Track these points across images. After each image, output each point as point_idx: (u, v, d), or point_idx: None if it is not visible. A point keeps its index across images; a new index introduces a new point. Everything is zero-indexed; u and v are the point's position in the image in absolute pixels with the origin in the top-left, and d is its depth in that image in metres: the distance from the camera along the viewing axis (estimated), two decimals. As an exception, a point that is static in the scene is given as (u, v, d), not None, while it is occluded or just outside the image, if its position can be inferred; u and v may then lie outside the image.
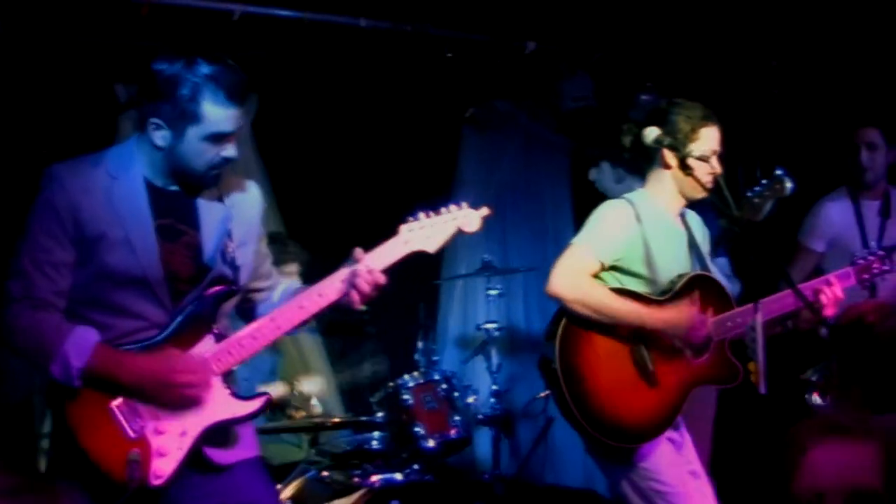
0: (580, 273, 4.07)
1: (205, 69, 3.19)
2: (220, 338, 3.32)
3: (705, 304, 4.16)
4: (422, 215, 3.47)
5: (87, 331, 3.19)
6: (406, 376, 5.62)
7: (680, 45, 6.72)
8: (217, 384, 3.28)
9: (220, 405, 3.28)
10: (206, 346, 3.29)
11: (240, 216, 3.46)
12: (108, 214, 3.23)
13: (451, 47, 6.53)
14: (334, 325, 6.08)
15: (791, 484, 2.14)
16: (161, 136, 3.25)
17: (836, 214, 5.73)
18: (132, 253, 3.22)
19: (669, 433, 4.17)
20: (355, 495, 5.11)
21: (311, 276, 5.76)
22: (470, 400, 6.08)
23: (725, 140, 4.27)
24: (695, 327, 4.06)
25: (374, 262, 3.35)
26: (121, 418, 3.16)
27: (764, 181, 4.31)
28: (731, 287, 5.06)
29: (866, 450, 2.06)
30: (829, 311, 4.14)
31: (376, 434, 5.70)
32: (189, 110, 3.19)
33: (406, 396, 5.52)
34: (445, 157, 7.62)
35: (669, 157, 4.21)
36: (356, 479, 5.37)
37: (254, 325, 3.34)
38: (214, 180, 3.37)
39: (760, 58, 6.82)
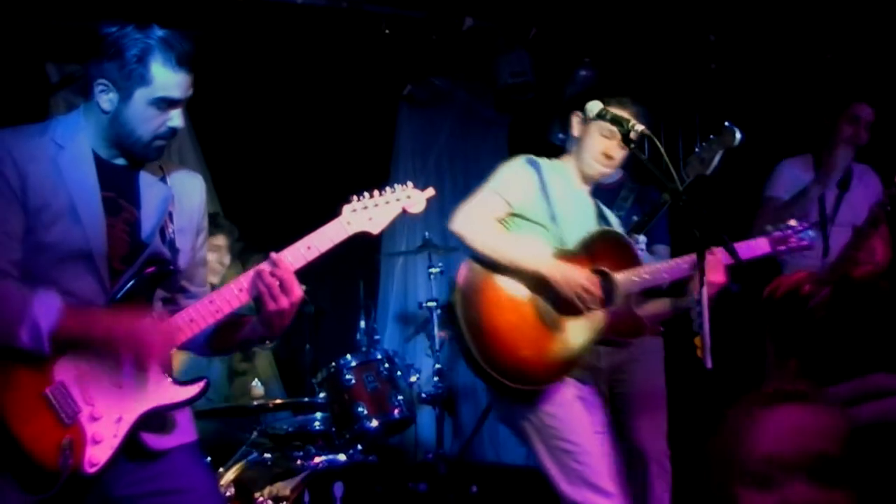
0: (485, 215, 4.04)
1: (157, 32, 3.13)
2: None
3: (613, 261, 4.14)
4: (365, 195, 3.40)
5: (50, 294, 3.05)
6: (348, 356, 5.58)
7: (617, 21, 6.72)
8: (155, 368, 3.17)
9: (158, 390, 3.18)
10: None
11: (181, 202, 3.37)
12: (54, 184, 3.12)
13: (387, 24, 6.48)
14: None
15: (741, 450, 2.10)
16: (108, 99, 3.15)
17: (800, 174, 5.77)
18: (77, 224, 3.11)
19: (580, 390, 4.12)
20: (298, 477, 5.07)
21: (246, 256, 5.73)
22: (412, 379, 6.07)
23: (664, 114, 4.29)
24: (588, 288, 4.01)
25: (317, 244, 3.27)
26: (55, 404, 3.03)
27: (712, 136, 4.31)
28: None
29: (826, 415, 2.04)
30: (712, 277, 4.09)
31: (318, 415, 5.67)
32: (138, 71, 3.10)
33: (348, 376, 5.47)
34: (383, 134, 7.59)
35: (574, 127, 4.27)
36: (299, 461, 5.34)
37: (191, 308, 3.23)
38: (157, 152, 3.27)
39: (698, 32, 6.83)
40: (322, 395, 5.59)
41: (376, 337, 6.12)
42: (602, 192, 5.23)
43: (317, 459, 5.25)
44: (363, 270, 6.70)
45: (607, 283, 4.12)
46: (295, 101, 7.03)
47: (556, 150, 5.36)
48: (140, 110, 3.15)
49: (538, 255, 4.05)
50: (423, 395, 6.35)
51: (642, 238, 4.78)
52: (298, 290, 3.22)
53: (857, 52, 6.78)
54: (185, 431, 3.35)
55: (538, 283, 4.03)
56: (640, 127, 4.04)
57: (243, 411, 5.55)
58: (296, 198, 6.92)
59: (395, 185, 3.45)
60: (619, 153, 4.25)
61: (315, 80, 6.98)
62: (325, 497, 5.05)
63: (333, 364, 5.55)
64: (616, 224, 4.46)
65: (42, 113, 6.05)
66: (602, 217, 4.38)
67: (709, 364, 3.52)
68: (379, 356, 5.65)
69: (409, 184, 3.48)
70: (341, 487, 5.09)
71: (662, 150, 3.89)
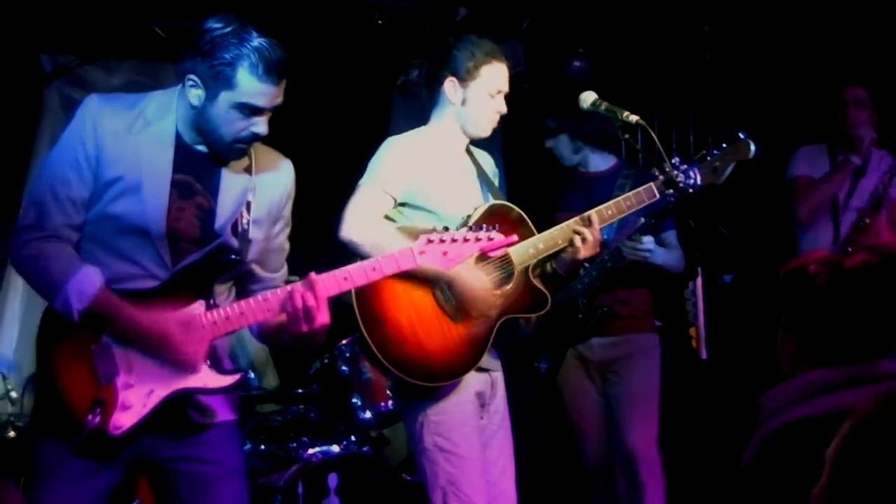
0: (372, 215, 3.93)
1: (251, 39, 3.19)
2: (210, 307, 3.28)
3: (506, 231, 4.08)
4: (449, 231, 3.39)
5: (92, 273, 3.18)
6: (342, 346, 5.57)
7: (612, 11, 6.70)
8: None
9: (194, 374, 3.25)
10: (194, 311, 3.26)
11: (263, 192, 3.45)
12: (130, 159, 3.23)
13: (381, 14, 6.45)
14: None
15: None
16: (196, 95, 3.24)
17: (818, 158, 5.76)
18: (141, 201, 3.22)
19: (479, 384, 4.06)
20: (292, 468, 5.07)
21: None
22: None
23: (659, 105, 4.25)
24: (484, 298, 3.92)
25: (385, 268, 3.34)
26: (96, 362, 3.17)
27: (725, 144, 4.24)
28: (672, 256, 5.06)
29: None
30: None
31: (313, 406, 5.66)
32: (225, 74, 3.18)
33: (342, 368, 5.47)
34: (376, 124, 7.56)
35: (452, 93, 4.14)
36: (293, 452, 5.34)
37: (244, 302, 3.29)
38: (239, 153, 3.37)
39: (692, 23, 6.82)
40: (316, 386, 5.58)
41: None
42: (596, 179, 5.23)
43: (311, 451, 5.26)
44: (358, 261, 6.68)
45: (503, 260, 4.05)
46: (287, 92, 6.98)
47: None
48: (223, 112, 3.23)
49: None
50: (418, 386, 6.34)
51: (647, 239, 4.75)
52: (323, 318, 3.26)
53: (852, 43, 6.78)
54: (226, 409, 3.48)
55: (433, 280, 3.94)
56: (633, 117, 4.02)
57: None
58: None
59: (483, 225, 3.44)
60: (504, 106, 4.18)
61: (308, 70, 6.94)
62: (319, 488, 5.05)
63: (327, 355, 5.54)
64: (496, 178, 4.37)
65: (35, 104, 6.03)
66: (484, 179, 4.28)
67: (703, 355, 3.53)
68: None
69: (496, 226, 3.45)
70: (336, 478, 5.09)
71: (656, 139, 3.89)
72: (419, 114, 7.66)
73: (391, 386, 4.13)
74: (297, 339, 3.32)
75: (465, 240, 3.37)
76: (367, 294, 3.85)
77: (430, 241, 3.34)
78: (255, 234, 3.40)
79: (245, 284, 3.53)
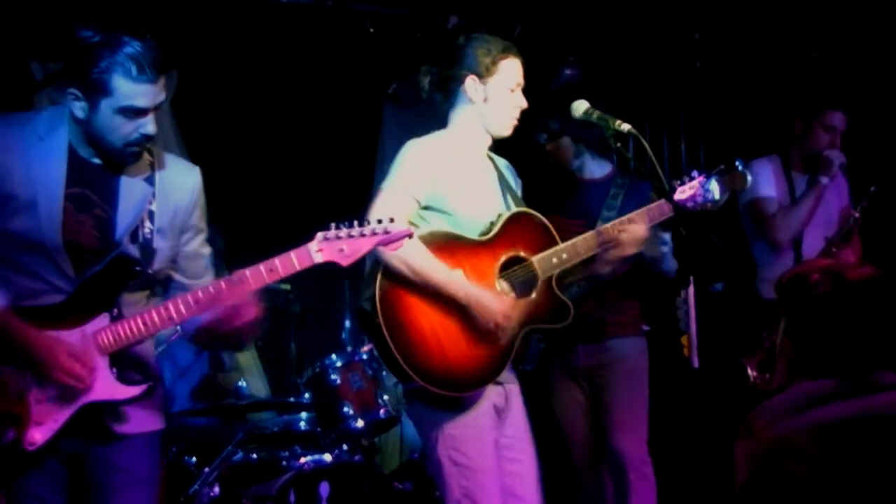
0: (396, 217, 3.73)
1: (120, 42, 3.18)
2: (115, 318, 3.29)
3: (528, 241, 4.08)
4: (343, 225, 3.35)
5: None
6: (333, 356, 5.56)
7: (602, 19, 6.71)
8: (102, 364, 3.27)
9: (102, 386, 3.27)
10: (98, 324, 3.28)
11: (166, 201, 3.43)
12: (22, 175, 3.24)
13: (372, 22, 6.45)
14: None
15: None
16: (79, 108, 3.24)
17: (777, 173, 5.79)
18: (35, 217, 3.23)
19: (495, 397, 4.04)
20: (283, 477, 5.06)
21: (229, 256, 5.70)
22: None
23: (649, 112, 4.26)
24: (499, 324, 3.90)
25: (280, 268, 3.29)
26: (7, 377, 3.19)
27: (723, 167, 4.25)
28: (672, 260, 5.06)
29: None
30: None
31: (304, 415, 5.66)
32: (101, 81, 3.17)
33: (333, 376, 5.45)
34: (368, 132, 7.56)
35: (473, 91, 4.10)
36: (284, 461, 5.33)
37: (146, 312, 3.31)
38: (134, 157, 3.35)
39: (683, 31, 6.83)
40: (307, 395, 5.58)
41: (362, 336, 6.09)
42: (591, 185, 5.22)
43: (302, 459, 5.25)
44: (348, 271, 6.66)
45: (527, 270, 4.06)
46: (279, 100, 7.00)
47: (539, 149, 5.36)
48: (108, 119, 3.23)
49: (456, 280, 3.91)
50: (409, 395, 6.32)
51: (667, 236, 4.71)
52: (251, 313, 3.31)
53: (843, 51, 6.80)
54: (148, 420, 3.50)
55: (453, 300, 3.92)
56: (626, 126, 4.02)
57: (229, 411, 5.54)
58: (280, 197, 6.91)
59: (381, 219, 3.37)
60: (524, 101, 4.17)
61: (299, 78, 6.95)
62: (310, 497, 5.05)
63: (319, 364, 5.53)
64: (516, 185, 4.35)
65: (26, 111, 6.00)
66: (504, 184, 4.27)
67: (695, 363, 3.53)
68: (364, 356, 5.62)
69: (392, 218, 3.40)
70: (327, 487, 5.08)
71: (648, 148, 3.89)
72: (410, 121, 7.72)
73: (406, 394, 4.11)
74: (224, 335, 3.38)
75: (362, 235, 3.33)
76: (392, 301, 3.86)
77: (326, 239, 3.31)
78: (159, 243, 3.40)
79: (168, 292, 3.54)
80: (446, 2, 6.63)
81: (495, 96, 4.10)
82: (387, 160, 7.45)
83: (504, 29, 6.83)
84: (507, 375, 4.10)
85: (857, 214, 5.54)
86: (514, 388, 4.17)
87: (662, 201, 4.19)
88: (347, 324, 6.09)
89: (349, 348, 5.85)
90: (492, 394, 4.03)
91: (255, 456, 5.39)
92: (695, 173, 4.29)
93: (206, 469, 5.12)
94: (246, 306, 3.31)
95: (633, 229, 4.14)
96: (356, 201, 6.74)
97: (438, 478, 4.01)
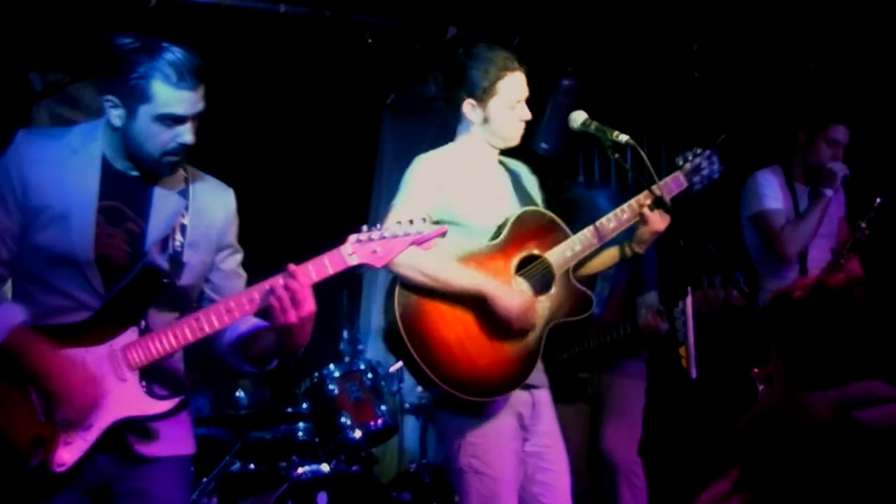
0: None
1: (160, 49, 3.16)
2: (144, 331, 3.22)
3: (541, 238, 4.08)
4: (375, 227, 3.30)
5: (11, 309, 3.12)
6: (331, 366, 5.56)
7: (601, 30, 6.72)
8: (132, 379, 3.19)
9: (131, 401, 3.19)
10: (127, 339, 3.20)
11: (199, 215, 3.39)
12: (56, 188, 3.19)
13: (371, 33, 6.46)
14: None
15: None
16: (117, 115, 3.20)
17: (781, 185, 5.80)
18: (67, 230, 3.17)
19: (520, 405, 4.04)
20: (281, 487, 5.06)
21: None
22: (396, 389, 6.05)
23: (648, 123, 4.26)
24: (520, 319, 3.92)
25: (314, 273, 3.22)
26: (35, 399, 3.11)
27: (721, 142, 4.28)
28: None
29: None
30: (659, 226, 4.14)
31: (302, 425, 5.66)
32: (140, 88, 3.14)
33: (331, 387, 5.47)
34: (366, 142, 7.57)
35: (471, 114, 4.12)
36: (282, 471, 5.33)
37: (176, 324, 3.23)
38: (171, 168, 3.31)
39: (681, 41, 6.84)
40: (305, 405, 5.57)
41: (360, 347, 6.09)
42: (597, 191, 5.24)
43: (300, 469, 5.25)
44: (346, 281, 6.67)
45: (542, 267, 4.06)
46: (278, 110, 7.00)
47: (539, 158, 5.37)
48: (146, 127, 3.19)
49: (471, 274, 3.93)
50: (407, 405, 6.32)
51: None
52: (310, 305, 3.19)
53: (841, 62, 6.81)
54: (177, 443, 3.40)
55: (475, 297, 3.93)
56: (623, 137, 4.03)
57: (227, 421, 5.53)
58: (280, 206, 6.90)
59: (414, 220, 3.33)
60: (528, 112, 4.17)
61: (298, 88, 6.96)
62: (308, 507, 5.04)
63: (317, 374, 5.54)
64: (531, 185, 4.36)
65: (25, 122, 6.00)
66: (518, 187, 4.27)
67: (693, 374, 3.52)
68: (362, 366, 5.64)
69: (424, 218, 3.36)
70: (325, 497, 5.08)
71: (646, 159, 3.90)
72: (408, 131, 7.73)
73: (434, 402, 4.11)
74: (282, 333, 3.24)
75: (395, 235, 3.29)
76: (413, 316, 3.87)
77: (359, 241, 3.25)
78: (189, 257, 3.34)
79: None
80: (445, 13, 6.64)
81: (496, 116, 4.11)
82: (385, 170, 7.56)
83: (503, 39, 6.85)
84: (536, 377, 4.10)
85: (863, 225, 5.54)
86: (543, 395, 4.16)
87: (678, 173, 4.20)
88: (345, 334, 6.08)
89: (347, 358, 5.85)
90: (518, 402, 4.03)
91: (252, 466, 5.39)
92: (697, 149, 4.31)
93: (204, 479, 5.12)
94: (303, 298, 3.17)
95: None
96: (355, 210, 6.81)
97: (458, 486, 4.02)
